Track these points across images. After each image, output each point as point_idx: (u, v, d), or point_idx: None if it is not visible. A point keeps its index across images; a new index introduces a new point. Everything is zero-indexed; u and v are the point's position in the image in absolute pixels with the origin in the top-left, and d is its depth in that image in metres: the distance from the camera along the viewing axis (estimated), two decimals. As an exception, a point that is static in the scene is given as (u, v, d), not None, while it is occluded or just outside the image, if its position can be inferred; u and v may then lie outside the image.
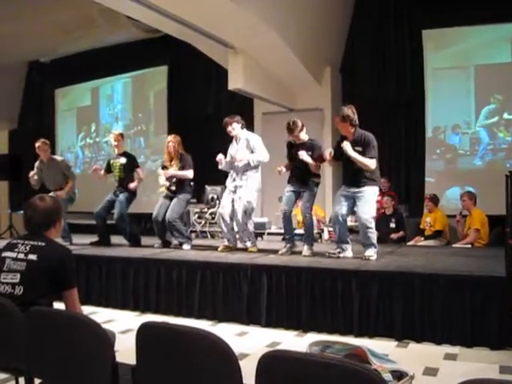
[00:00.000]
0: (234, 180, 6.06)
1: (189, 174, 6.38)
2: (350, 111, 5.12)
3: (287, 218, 5.80)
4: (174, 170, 6.36)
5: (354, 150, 5.10)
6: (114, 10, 7.36)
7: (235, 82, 7.77)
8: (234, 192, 6.03)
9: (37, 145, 6.93)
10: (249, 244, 6.04)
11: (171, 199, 6.39)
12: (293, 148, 5.78)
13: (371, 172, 5.14)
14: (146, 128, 11.72)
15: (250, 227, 6.07)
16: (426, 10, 8.63)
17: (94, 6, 8.34)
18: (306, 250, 5.63)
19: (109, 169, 6.93)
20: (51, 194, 6.61)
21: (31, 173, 7.00)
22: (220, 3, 6.24)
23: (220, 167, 6.16)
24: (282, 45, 7.47)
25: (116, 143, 6.87)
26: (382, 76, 9.21)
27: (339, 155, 5.30)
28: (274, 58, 7.93)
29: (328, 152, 5.44)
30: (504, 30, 8.19)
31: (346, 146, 5.11)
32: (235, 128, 6.02)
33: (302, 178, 5.68)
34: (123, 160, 6.79)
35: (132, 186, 6.69)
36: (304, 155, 5.51)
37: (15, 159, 10.88)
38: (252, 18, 6.68)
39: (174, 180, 6.40)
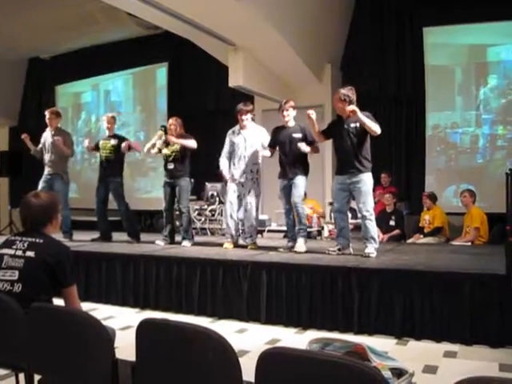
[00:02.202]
0: (244, 173, 5.95)
1: (191, 143, 6.30)
2: (350, 91, 5.13)
3: (288, 215, 5.79)
4: (176, 139, 6.27)
5: (350, 128, 5.10)
6: (114, 7, 7.35)
7: (235, 79, 7.77)
8: (243, 185, 5.97)
9: (46, 113, 6.98)
10: (249, 241, 6.04)
11: (172, 188, 6.38)
12: (280, 132, 5.71)
13: (363, 155, 5.10)
14: (146, 125, 11.71)
15: (256, 222, 6.07)
16: (426, 7, 8.62)
17: (94, 3, 8.34)
18: (300, 244, 5.59)
19: (97, 149, 6.94)
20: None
21: (24, 135, 6.98)
22: (221, 0, 6.23)
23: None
24: (282, 42, 7.45)
25: (109, 125, 6.91)
26: (382, 73, 9.19)
27: (331, 133, 5.30)
28: (275, 55, 7.93)
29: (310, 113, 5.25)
30: (505, 28, 8.18)
31: (357, 110, 4.97)
32: (249, 119, 6.00)
33: (290, 170, 5.62)
34: (114, 141, 6.77)
35: (124, 144, 6.67)
36: (303, 146, 5.50)
37: (16, 156, 10.88)
38: (252, 15, 6.66)
39: (173, 156, 6.32)
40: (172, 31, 7.82)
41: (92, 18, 9.71)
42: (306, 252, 5.52)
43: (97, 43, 11.40)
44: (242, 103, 6.09)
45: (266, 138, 6.01)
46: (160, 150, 6.40)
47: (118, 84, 12.16)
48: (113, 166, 6.78)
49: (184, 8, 6.41)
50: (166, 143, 6.34)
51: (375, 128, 5.02)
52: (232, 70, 7.79)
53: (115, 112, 11.99)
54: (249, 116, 5.98)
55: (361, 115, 4.98)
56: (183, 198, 6.34)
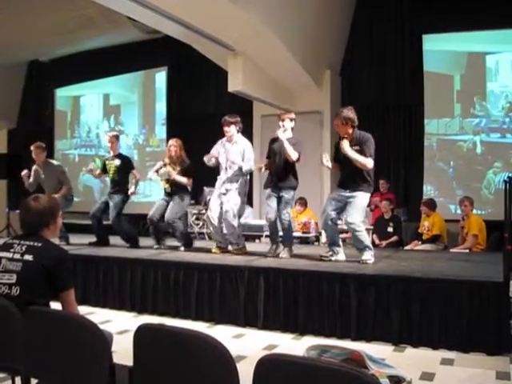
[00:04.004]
0: (224, 183, 5.97)
1: (184, 180, 6.35)
2: (350, 113, 5.13)
3: (273, 225, 5.78)
4: (175, 174, 6.34)
5: (352, 149, 5.11)
6: (114, 11, 7.35)
7: (235, 84, 7.77)
8: (224, 194, 5.95)
9: (31, 148, 6.92)
10: (235, 247, 6.01)
11: (168, 201, 6.39)
12: (275, 143, 5.73)
13: (366, 175, 5.12)
14: (145, 129, 11.72)
15: (238, 230, 6.05)
16: (426, 14, 8.66)
17: (94, 7, 8.33)
18: (284, 252, 5.64)
19: (104, 169, 6.97)
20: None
21: (24, 172, 6.94)
22: (221, 5, 6.24)
23: (210, 164, 6.07)
24: (282, 47, 7.47)
25: (110, 144, 6.90)
26: (381, 80, 9.22)
27: (339, 158, 5.30)
28: (274, 61, 7.94)
29: (324, 158, 5.35)
30: (504, 36, 8.22)
31: (345, 145, 5.08)
32: (232, 130, 5.96)
33: (278, 180, 5.63)
34: (117, 162, 6.80)
35: (131, 191, 6.78)
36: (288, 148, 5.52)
37: (14, 158, 10.86)
38: (252, 21, 6.68)
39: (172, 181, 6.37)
40: (172, 36, 7.82)
41: (92, 21, 9.72)
42: (304, 257, 5.51)
43: (96, 47, 11.41)
44: (228, 115, 6.07)
45: (247, 153, 5.93)
46: (168, 180, 6.42)
47: (117, 87, 12.17)
48: (117, 185, 6.80)
49: (184, 13, 6.41)
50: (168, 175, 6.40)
51: (364, 162, 5.01)
52: (231, 75, 7.78)
53: (114, 118, 12.08)
54: (232, 128, 5.93)
55: (350, 152, 5.03)
56: (172, 211, 6.29)
